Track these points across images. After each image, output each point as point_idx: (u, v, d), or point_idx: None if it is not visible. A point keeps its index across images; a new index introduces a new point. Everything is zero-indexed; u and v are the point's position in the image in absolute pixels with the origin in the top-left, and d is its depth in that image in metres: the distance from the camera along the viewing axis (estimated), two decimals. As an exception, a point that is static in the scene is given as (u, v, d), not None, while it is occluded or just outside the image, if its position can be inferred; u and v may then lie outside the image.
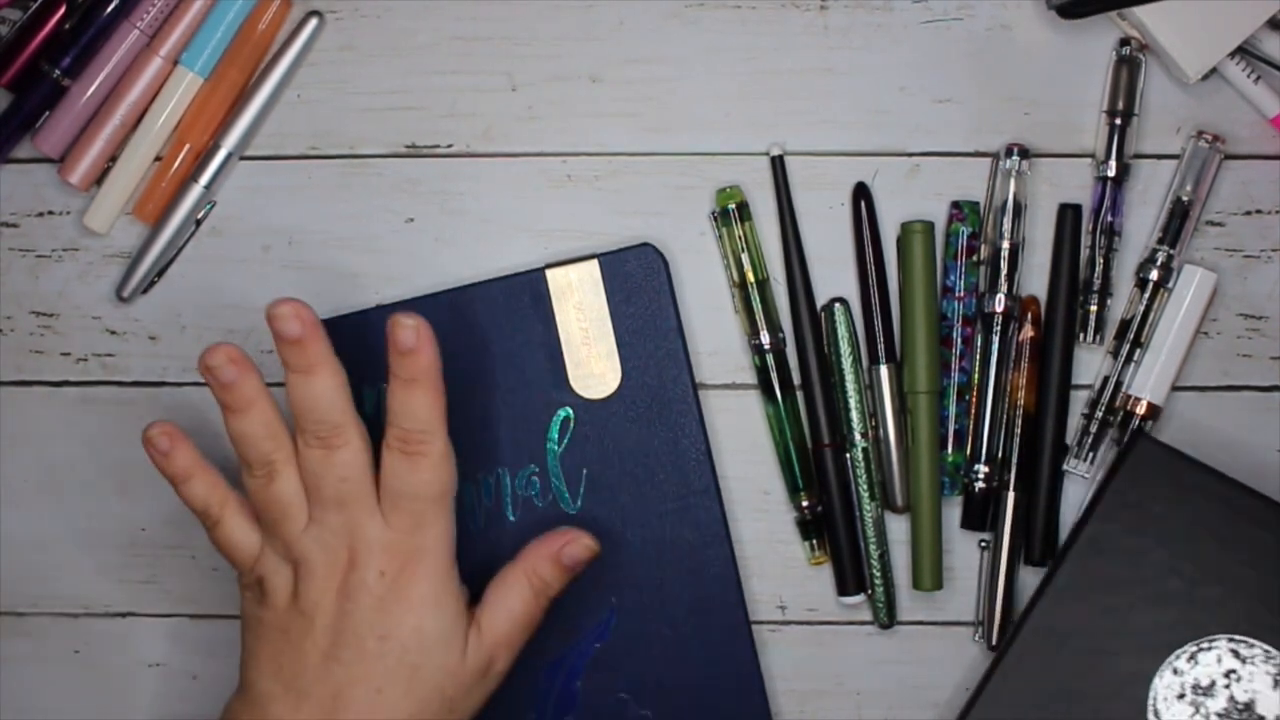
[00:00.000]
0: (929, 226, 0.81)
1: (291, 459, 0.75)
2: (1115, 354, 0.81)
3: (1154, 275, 0.80)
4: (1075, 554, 0.77)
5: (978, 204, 0.81)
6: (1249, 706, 0.74)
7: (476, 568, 0.78)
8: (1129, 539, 0.76)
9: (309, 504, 0.74)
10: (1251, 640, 0.74)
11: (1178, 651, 0.75)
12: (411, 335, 0.72)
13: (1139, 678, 0.75)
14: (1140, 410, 0.80)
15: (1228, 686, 0.74)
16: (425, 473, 0.74)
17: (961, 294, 0.81)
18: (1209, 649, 0.75)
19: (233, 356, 0.74)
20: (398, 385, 0.74)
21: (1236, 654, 0.74)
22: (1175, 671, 0.75)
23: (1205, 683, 0.75)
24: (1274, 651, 0.74)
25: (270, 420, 0.75)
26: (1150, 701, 0.75)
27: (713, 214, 0.82)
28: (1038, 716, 0.76)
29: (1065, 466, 0.81)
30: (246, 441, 0.75)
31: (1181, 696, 0.75)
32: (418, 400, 0.73)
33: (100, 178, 0.83)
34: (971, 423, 0.81)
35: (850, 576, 0.82)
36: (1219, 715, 0.74)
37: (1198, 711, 0.75)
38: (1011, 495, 0.81)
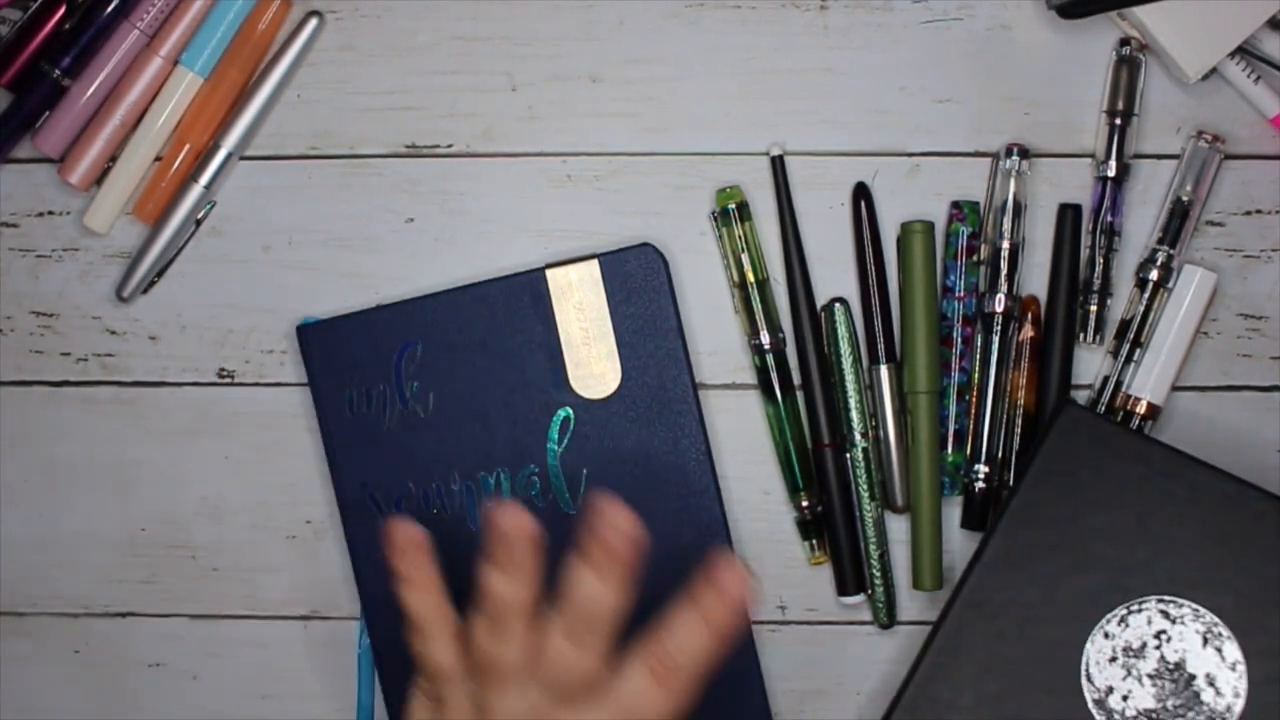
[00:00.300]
0: (929, 226, 0.81)
1: (527, 627, 0.71)
2: (1115, 354, 0.81)
3: (1154, 275, 0.80)
4: (1005, 525, 0.77)
5: (978, 204, 0.81)
6: (1179, 666, 0.74)
7: (474, 569, 0.78)
8: (1057, 506, 0.76)
9: (528, 673, 0.71)
10: (1180, 600, 0.74)
11: (1108, 615, 0.75)
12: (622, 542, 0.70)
13: (1071, 643, 0.75)
14: (1140, 410, 0.80)
15: (1158, 647, 0.74)
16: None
17: (961, 294, 0.81)
18: (1139, 611, 0.75)
19: (523, 526, 0.71)
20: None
21: (1166, 614, 0.74)
22: (1106, 635, 0.75)
23: (1136, 645, 0.74)
24: (1202, 610, 0.74)
25: (529, 600, 0.71)
26: (1083, 666, 0.75)
27: (713, 214, 0.82)
28: (974, 688, 0.76)
29: (1065, 466, 0.81)
30: (497, 600, 0.71)
31: (1113, 660, 0.75)
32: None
33: (100, 178, 0.83)
34: (971, 423, 0.82)
35: (850, 576, 0.82)
36: (1150, 676, 0.74)
37: (1129, 674, 0.74)
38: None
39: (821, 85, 0.82)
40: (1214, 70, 0.80)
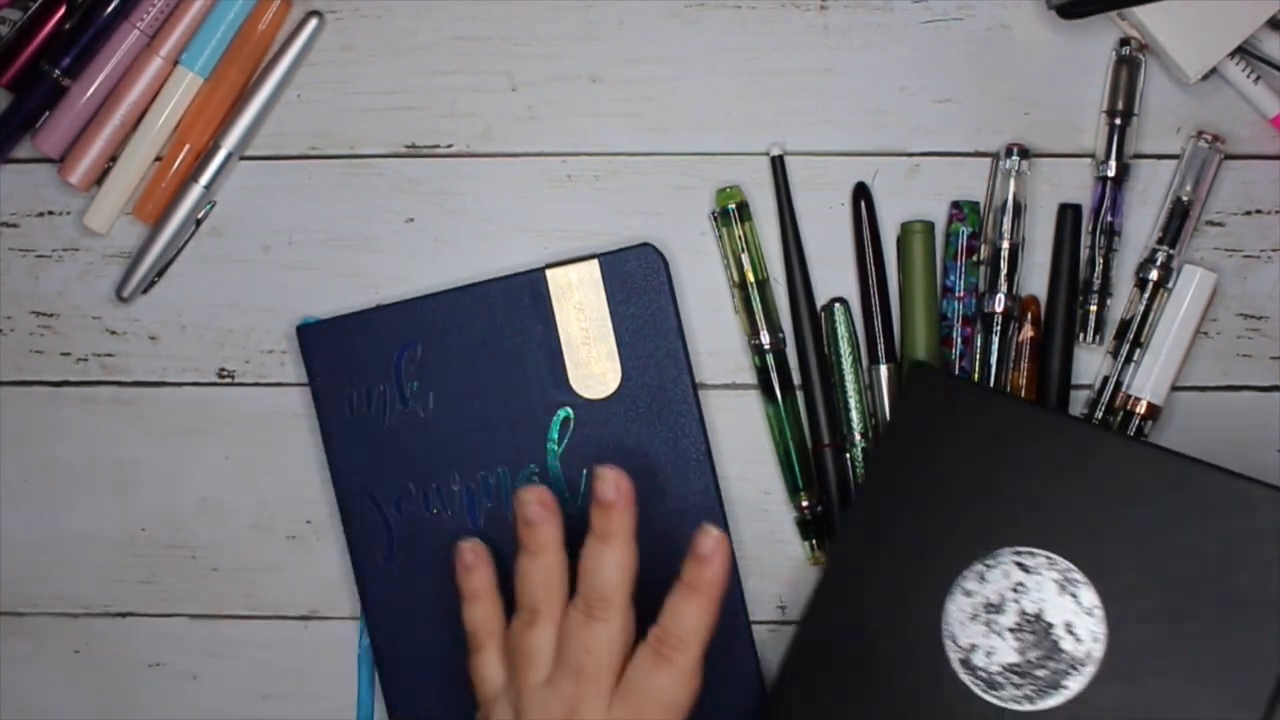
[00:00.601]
0: (929, 226, 0.81)
1: (557, 615, 0.74)
2: (1115, 354, 0.81)
3: (1154, 275, 0.80)
4: (865, 494, 0.77)
5: (978, 204, 0.81)
6: (1038, 617, 0.74)
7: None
8: (913, 470, 0.76)
9: (555, 662, 0.73)
10: (1034, 550, 0.74)
11: (965, 573, 0.75)
12: (611, 490, 0.74)
13: (933, 605, 0.75)
14: (1140, 410, 0.80)
15: (1016, 600, 0.74)
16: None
17: (961, 294, 0.81)
18: (994, 566, 0.74)
19: (544, 500, 0.74)
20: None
21: (1022, 566, 0.74)
22: (966, 594, 0.74)
23: (995, 600, 0.74)
24: (1056, 558, 0.73)
25: (553, 572, 0.74)
26: (945, 627, 0.75)
27: (713, 214, 0.82)
28: (844, 662, 0.75)
29: (1065, 466, 0.81)
30: (525, 582, 0.74)
31: (974, 617, 0.74)
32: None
33: (100, 178, 0.83)
34: (971, 423, 0.82)
35: (850, 576, 0.82)
36: (1011, 630, 0.74)
37: (990, 630, 0.74)
38: None
39: (821, 85, 0.82)
40: (1214, 70, 0.80)
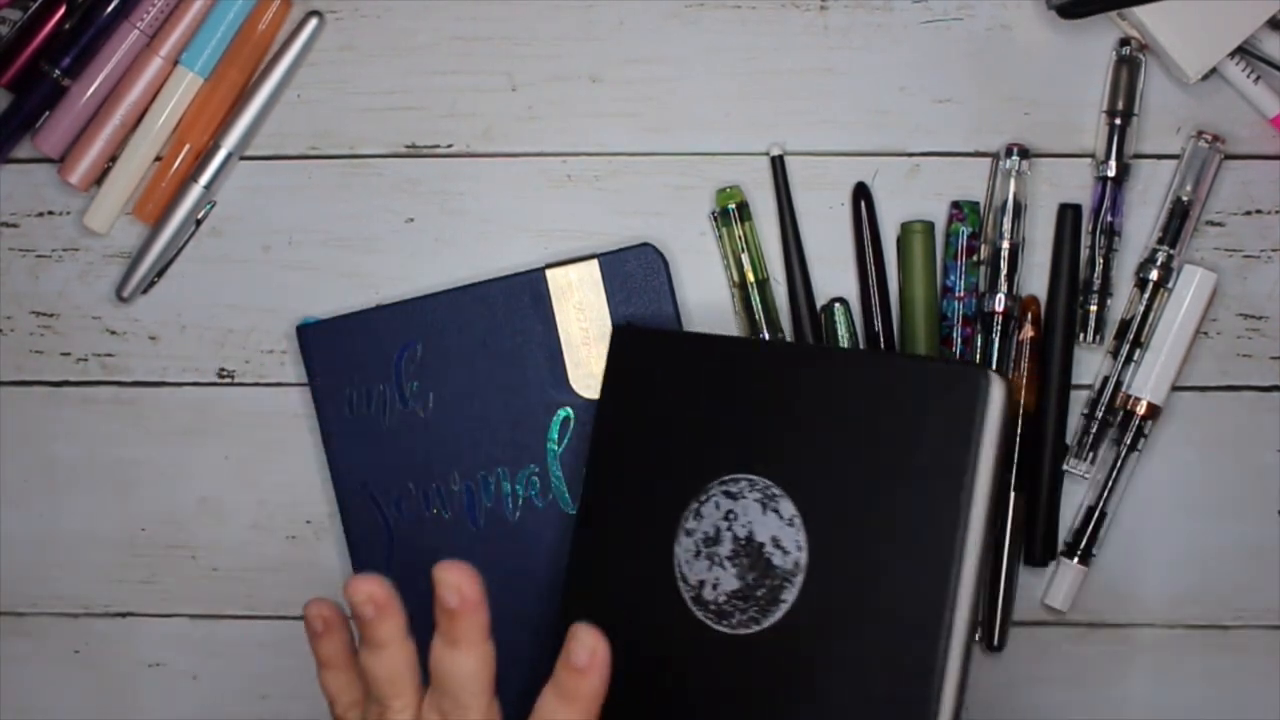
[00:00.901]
0: (929, 226, 0.81)
1: (411, 707, 0.69)
2: (1115, 354, 0.81)
3: (1154, 275, 0.80)
4: (591, 456, 0.78)
5: (978, 204, 0.81)
6: (749, 539, 0.73)
7: (476, 567, 0.77)
8: (629, 424, 0.77)
9: None
10: (737, 475, 0.74)
11: (684, 514, 0.75)
12: (454, 596, 0.67)
13: (663, 550, 0.75)
14: (1140, 410, 0.80)
15: (729, 529, 0.74)
16: None
17: (961, 294, 0.81)
18: (707, 500, 0.74)
19: (375, 596, 0.68)
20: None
21: (729, 494, 0.74)
22: (688, 533, 0.75)
23: (711, 533, 0.74)
24: (756, 478, 0.73)
25: (397, 670, 0.69)
26: (676, 569, 0.75)
27: (713, 214, 0.82)
28: (601, 610, 0.75)
29: (1065, 466, 0.81)
30: (371, 678, 0.69)
31: (698, 554, 0.74)
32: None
33: (100, 178, 0.83)
34: (971, 423, 0.81)
35: (850, 576, 0.82)
36: (729, 559, 0.74)
37: (714, 563, 0.74)
38: (1012, 495, 0.81)
39: (821, 85, 0.82)
40: (1214, 70, 0.80)
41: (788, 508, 0.72)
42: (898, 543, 0.70)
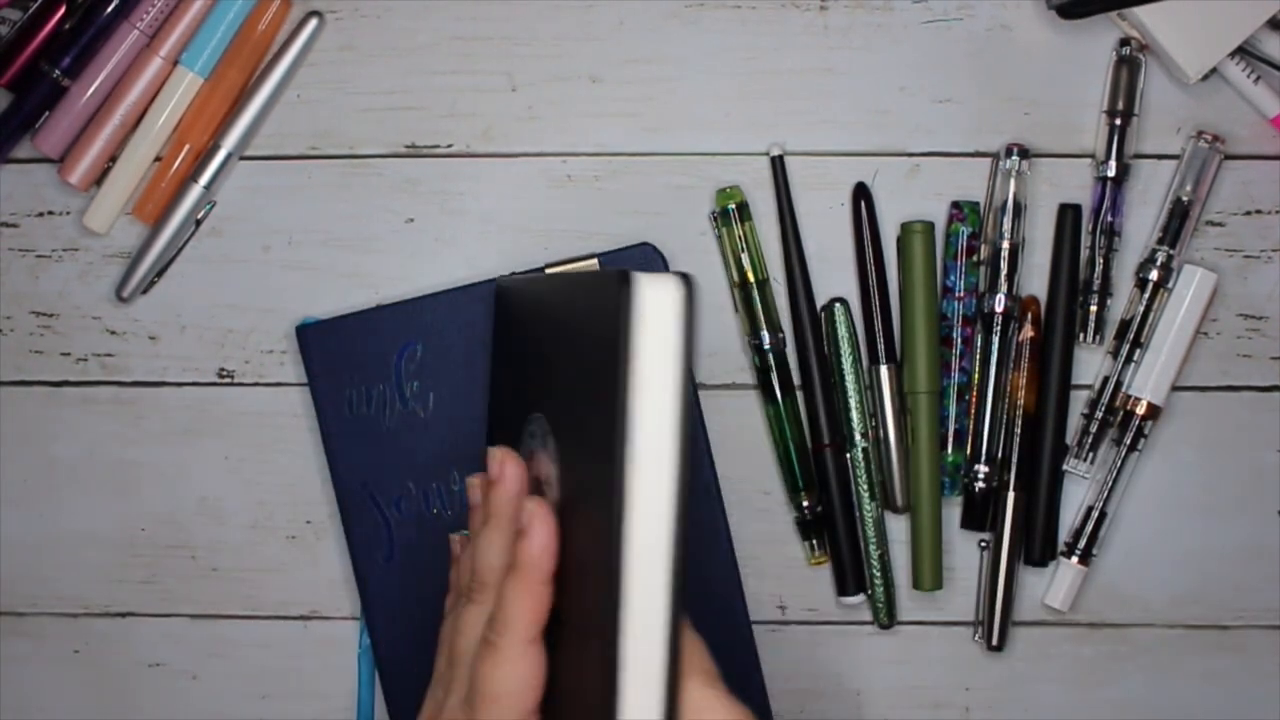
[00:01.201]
0: (929, 226, 0.81)
1: (485, 603, 0.67)
2: (1115, 354, 0.81)
3: (1154, 275, 0.80)
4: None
5: (978, 204, 0.81)
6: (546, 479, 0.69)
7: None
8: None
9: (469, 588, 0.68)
10: (528, 417, 0.71)
11: (530, 462, 0.71)
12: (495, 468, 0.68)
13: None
14: (1140, 410, 0.80)
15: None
16: (488, 666, 0.66)
17: (961, 294, 0.81)
18: (530, 459, 0.71)
19: (503, 464, 0.69)
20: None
21: (532, 434, 0.70)
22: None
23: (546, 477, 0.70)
24: (539, 417, 0.70)
25: (489, 563, 0.68)
26: None
27: (713, 214, 0.82)
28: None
29: (1065, 466, 0.81)
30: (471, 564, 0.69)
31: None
32: (511, 589, 0.65)
33: (100, 178, 0.83)
34: (971, 423, 0.82)
35: (850, 577, 0.82)
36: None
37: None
38: (1011, 495, 0.81)
39: (821, 85, 0.82)
40: (1214, 70, 0.80)
41: (552, 442, 0.68)
42: (593, 445, 0.64)
